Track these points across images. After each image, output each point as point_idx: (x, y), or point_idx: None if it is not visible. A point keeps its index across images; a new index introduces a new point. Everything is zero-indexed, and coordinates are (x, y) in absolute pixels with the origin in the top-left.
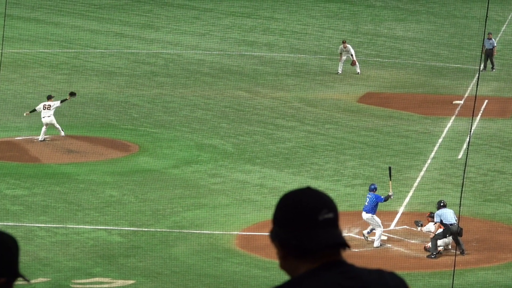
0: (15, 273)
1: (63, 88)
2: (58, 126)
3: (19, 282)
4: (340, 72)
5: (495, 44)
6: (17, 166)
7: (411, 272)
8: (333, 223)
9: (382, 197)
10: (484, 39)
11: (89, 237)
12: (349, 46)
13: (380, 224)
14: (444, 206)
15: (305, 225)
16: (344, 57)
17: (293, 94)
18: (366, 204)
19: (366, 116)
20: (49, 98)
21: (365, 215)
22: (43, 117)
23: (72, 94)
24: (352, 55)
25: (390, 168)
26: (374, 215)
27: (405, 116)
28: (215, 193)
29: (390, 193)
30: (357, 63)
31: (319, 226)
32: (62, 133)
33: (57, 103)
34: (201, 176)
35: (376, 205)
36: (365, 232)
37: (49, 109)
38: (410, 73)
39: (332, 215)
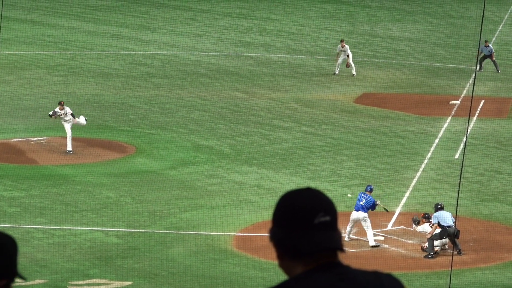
0: (15, 274)
1: (59, 89)
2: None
3: (17, 283)
4: (337, 72)
5: (493, 51)
6: (14, 168)
7: (408, 272)
8: (330, 226)
9: (372, 202)
10: (480, 43)
11: (86, 239)
12: (347, 46)
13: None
14: (442, 208)
15: (300, 227)
16: (340, 59)
17: (289, 95)
18: (363, 203)
19: (363, 116)
20: (60, 104)
21: (362, 214)
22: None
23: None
24: (348, 55)
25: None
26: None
27: (402, 117)
28: (212, 194)
29: (377, 202)
30: (352, 65)
31: (314, 228)
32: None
33: (69, 110)
34: (198, 177)
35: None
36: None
37: (65, 116)
38: (406, 74)
39: (329, 218)
